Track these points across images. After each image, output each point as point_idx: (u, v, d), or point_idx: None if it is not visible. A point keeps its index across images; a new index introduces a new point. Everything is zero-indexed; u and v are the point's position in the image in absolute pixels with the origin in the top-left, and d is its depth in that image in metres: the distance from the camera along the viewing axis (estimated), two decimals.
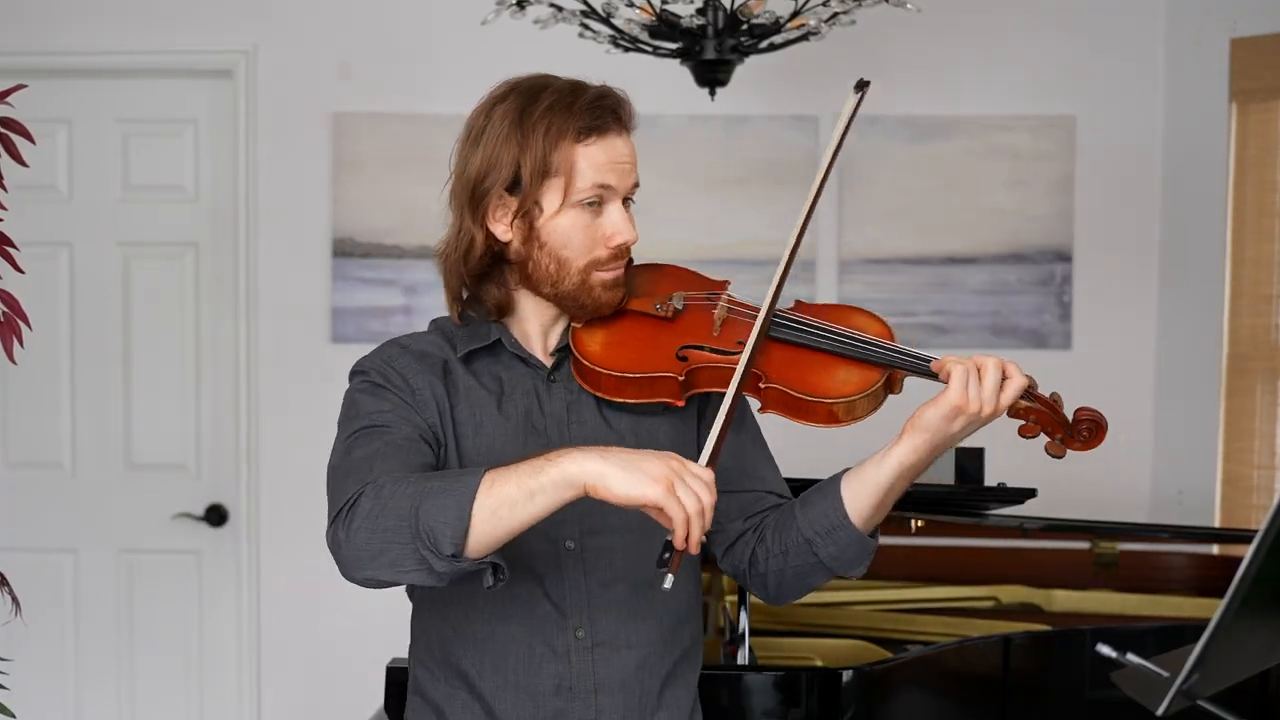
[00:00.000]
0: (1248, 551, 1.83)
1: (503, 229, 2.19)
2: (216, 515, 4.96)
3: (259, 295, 4.86)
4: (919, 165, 4.83)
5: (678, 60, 3.85)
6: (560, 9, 3.79)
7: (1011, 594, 3.95)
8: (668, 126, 4.77)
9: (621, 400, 2.20)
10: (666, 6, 3.74)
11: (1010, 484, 3.48)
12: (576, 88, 2.19)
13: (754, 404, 2.23)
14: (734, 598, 3.29)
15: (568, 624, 2.19)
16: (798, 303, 2.28)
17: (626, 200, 2.22)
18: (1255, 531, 1.86)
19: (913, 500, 3.39)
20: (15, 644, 3.65)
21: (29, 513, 4.97)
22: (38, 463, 4.99)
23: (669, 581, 1.91)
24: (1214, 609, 1.88)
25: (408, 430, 2.12)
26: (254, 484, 4.89)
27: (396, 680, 2.95)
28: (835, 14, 3.76)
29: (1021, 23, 4.86)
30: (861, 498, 2.17)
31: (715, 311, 2.24)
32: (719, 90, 3.90)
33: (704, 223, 4.76)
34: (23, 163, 2.37)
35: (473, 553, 1.90)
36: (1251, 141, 4.64)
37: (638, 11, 3.74)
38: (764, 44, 3.81)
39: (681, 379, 2.18)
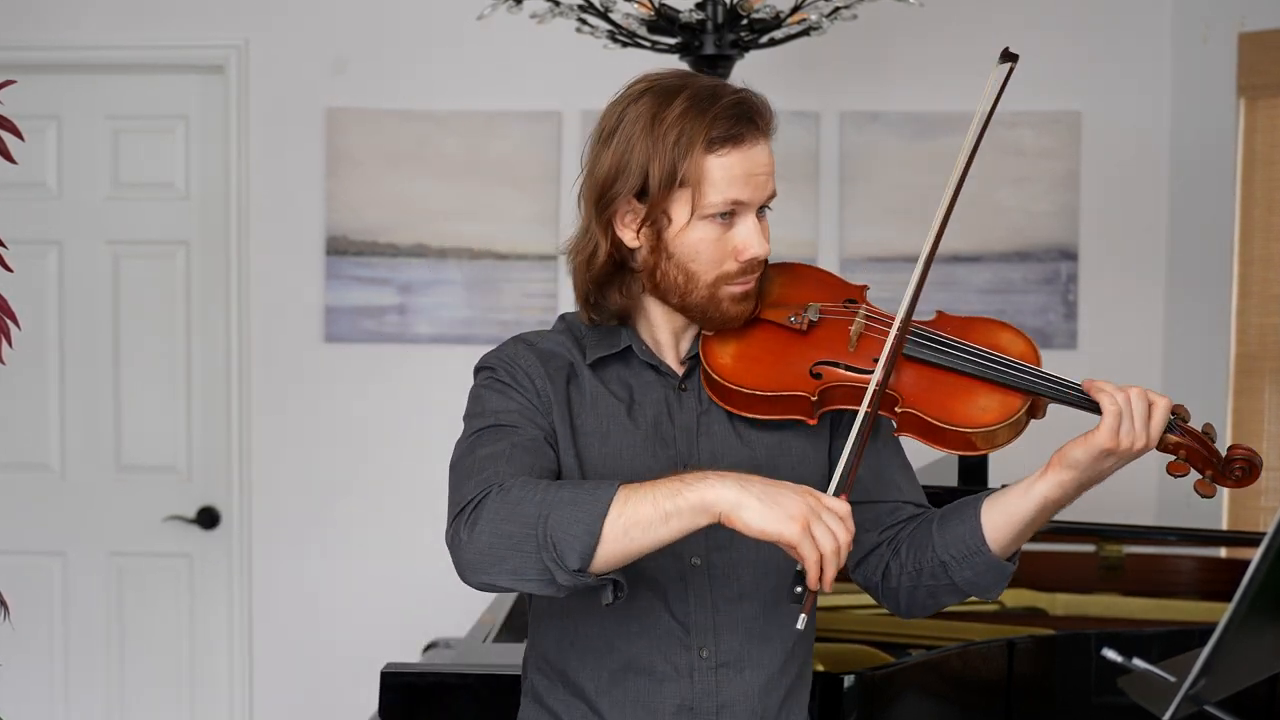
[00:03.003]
0: (1255, 555, 1.82)
1: (630, 235, 2.12)
2: (208, 517, 4.93)
3: (251, 294, 4.84)
4: (922, 162, 4.79)
5: (676, 55, 3.82)
6: (557, 3, 3.78)
7: (1015, 597, 3.92)
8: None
9: (751, 416, 2.14)
10: (665, 1, 3.72)
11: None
12: (714, 91, 2.09)
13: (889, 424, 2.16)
14: None
15: (691, 642, 2.14)
16: (939, 314, 2.21)
17: (763, 209, 2.13)
18: (1263, 534, 1.86)
19: None
20: (3, 649, 3.62)
21: (17, 515, 4.94)
22: (26, 464, 4.96)
23: (802, 622, 1.89)
24: (1221, 613, 1.86)
25: (533, 431, 2.08)
26: (246, 486, 4.86)
27: (391, 685, 2.94)
28: (837, 9, 3.75)
29: (1026, 17, 4.83)
30: (1001, 527, 2.12)
31: (851, 327, 2.15)
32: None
33: None
34: (11, 160, 2.34)
35: (598, 569, 1.88)
36: (1260, 137, 4.62)
37: (636, 6, 3.73)
38: (764, 39, 3.79)
39: (814, 398, 2.10)
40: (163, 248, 4.93)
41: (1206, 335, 4.74)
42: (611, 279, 2.16)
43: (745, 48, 3.77)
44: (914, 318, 2.12)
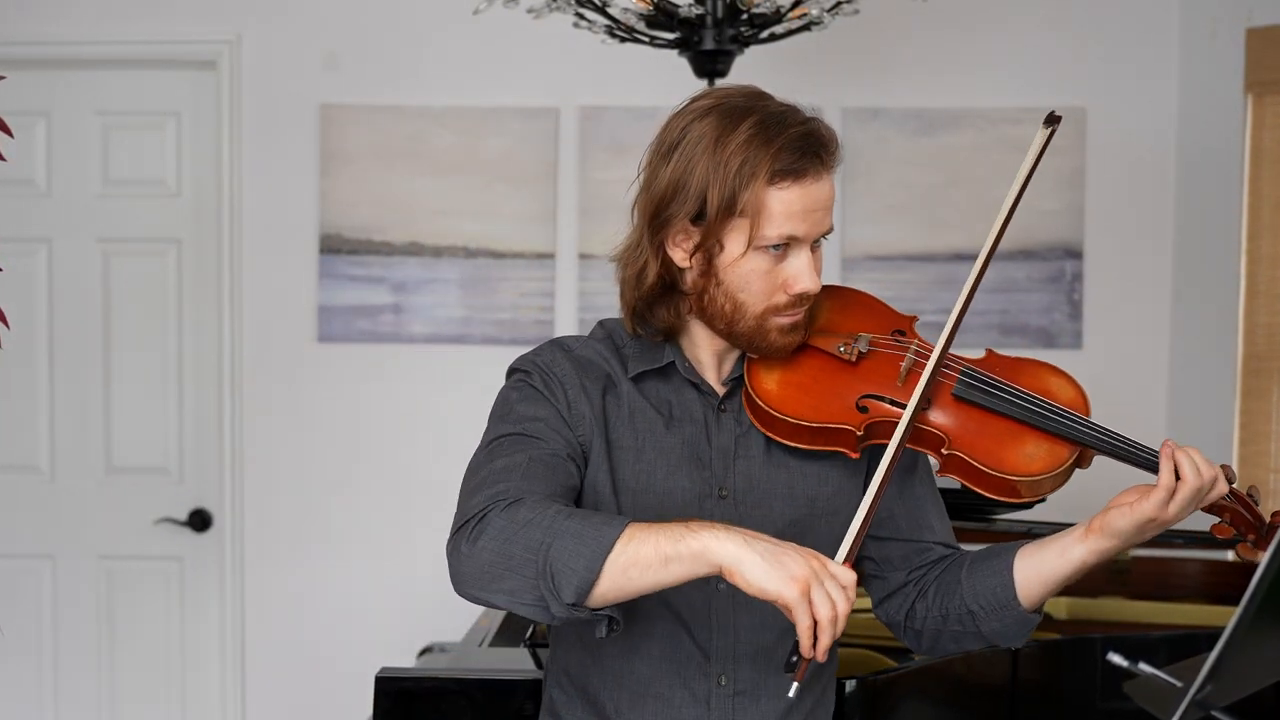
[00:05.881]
0: (1263, 558, 1.81)
1: (680, 255, 2.08)
2: (200, 520, 4.90)
3: (243, 293, 4.81)
4: (925, 159, 4.77)
5: (675, 51, 3.81)
6: None
7: None
8: (664, 119, 4.64)
9: (794, 445, 2.11)
10: None
11: None
12: (782, 119, 2.04)
13: (933, 464, 2.13)
14: None
15: (711, 669, 2.13)
16: (989, 352, 2.18)
17: (817, 242, 2.10)
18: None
19: None
20: None
21: (5, 518, 4.92)
22: (15, 466, 4.93)
23: (794, 690, 1.86)
24: (1229, 617, 1.83)
25: (557, 445, 2.05)
26: (238, 488, 4.84)
27: (385, 690, 2.92)
28: (838, 3, 3.73)
29: (1031, 12, 4.81)
30: (1034, 582, 2.12)
31: (902, 363, 2.12)
32: (718, 82, 3.83)
33: None
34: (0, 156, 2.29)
35: (595, 603, 1.85)
36: (1268, 134, 4.59)
37: (635, 1, 3.71)
38: (765, 34, 3.77)
39: (860, 433, 2.08)
40: (154, 246, 4.90)
41: (1213, 335, 4.71)
42: (661, 298, 2.13)
43: (745, 43, 3.75)
44: (963, 356, 2.13)
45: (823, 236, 2.09)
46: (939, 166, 4.76)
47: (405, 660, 3.75)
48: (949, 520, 2.30)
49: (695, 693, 2.12)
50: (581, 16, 3.77)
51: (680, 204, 2.04)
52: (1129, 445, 2.06)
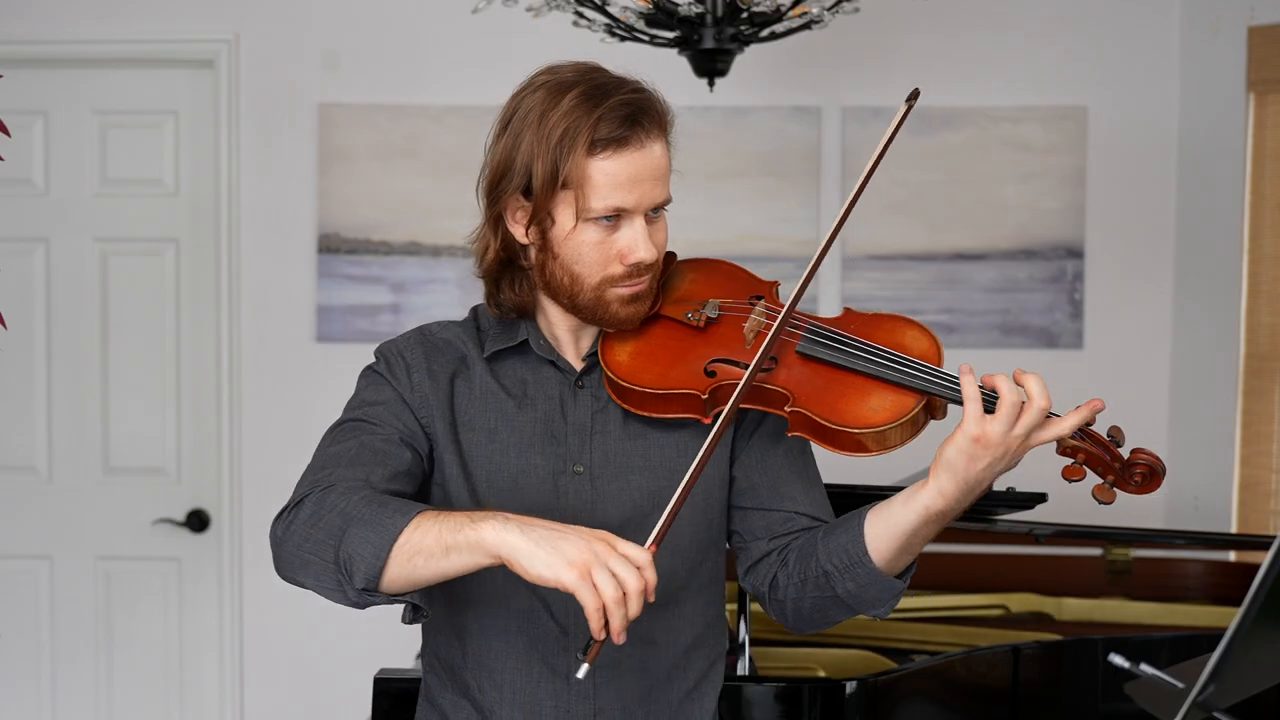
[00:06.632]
0: (1266, 558, 1.80)
1: (520, 232, 2.11)
2: (198, 520, 4.89)
3: (241, 293, 4.80)
4: (925, 158, 4.76)
5: (675, 50, 3.80)
6: None
7: (1021, 602, 3.93)
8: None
9: (647, 414, 2.12)
10: None
11: (1020, 488, 3.41)
12: (605, 89, 2.05)
13: (787, 425, 2.10)
14: (733, 606, 3.26)
15: (570, 645, 2.12)
16: (847, 310, 2.16)
17: (658, 211, 2.10)
18: (1273, 537, 1.91)
19: None
20: None
21: (3, 518, 4.91)
22: (12, 466, 4.92)
23: (583, 671, 1.84)
24: (1231, 618, 1.85)
25: (390, 431, 2.09)
26: (236, 488, 4.83)
27: (384, 692, 2.95)
28: (839, 1, 3.72)
29: (1032, 10, 4.81)
30: (884, 538, 2.05)
31: (746, 325, 2.12)
32: (718, 81, 3.87)
33: (702, 218, 4.70)
34: None
35: (389, 589, 1.88)
36: (1270, 133, 4.60)
37: None
38: (765, 32, 3.76)
39: (706, 396, 2.07)
40: (152, 245, 4.89)
41: (1215, 335, 4.71)
42: (503, 274, 2.16)
43: (745, 42, 3.75)
44: (817, 316, 2.12)
45: (662, 207, 2.10)
46: (939, 165, 4.75)
47: (404, 662, 3.74)
48: (824, 495, 2.24)
49: (554, 668, 2.12)
50: (581, 15, 3.77)
51: (510, 179, 2.08)
52: (955, 385, 1.99)
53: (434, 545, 1.83)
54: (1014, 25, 4.79)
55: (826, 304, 4.69)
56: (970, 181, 4.75)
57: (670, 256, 2.21)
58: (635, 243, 2.06)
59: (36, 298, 4.87)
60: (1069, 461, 1.98)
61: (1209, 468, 4.70)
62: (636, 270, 2.07)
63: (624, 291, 2.08)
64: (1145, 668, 2.05)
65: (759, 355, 2.02)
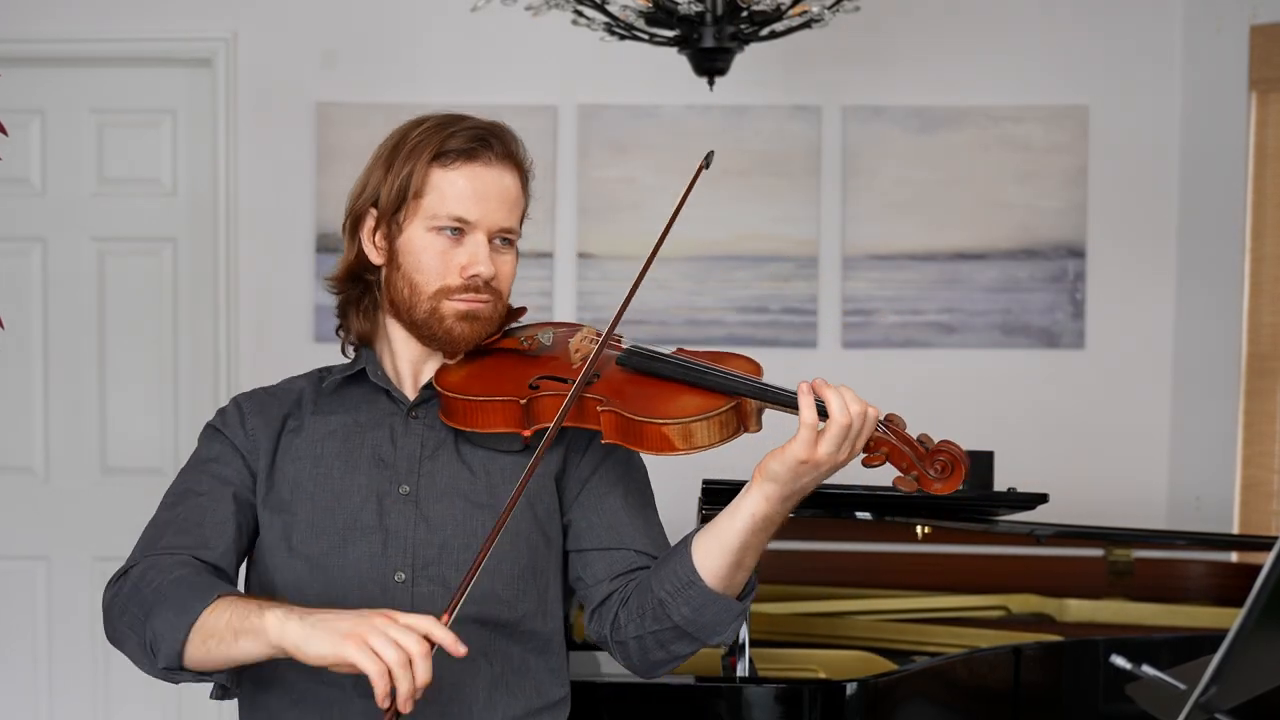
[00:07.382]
0: (1268, 559, 1.80)
1: (373, 251, 2.20)
2: None
3: (239, 293, 4.80)
4: (926, 157, 4.75)
5: (675, 48, 3.80)
6: None
7: (1022, 603, 3.93)
8: (664, 117, 4.73)
9: (471, 430, 2.16)
10: None
11: (1021, 489, 3.44)
12: (463, 119, 2.18)
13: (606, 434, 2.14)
14: None
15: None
16: (678, 349, 2.21)
17: (505, 241, 2.18)
18: (1275, 538, 1.88)
19: (919, 506, 3.32)
20: None
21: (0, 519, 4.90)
22: (9, 467, 4.93)
23: None
24: (1233, 619, 1.85)
25: (223, 491, 2.14)
26: None
27: None
28: (838, 0, 3.71)
29: (1033, 9, 4.81)
30: (714, 554, 2.04)
31: (571, 341, 2.21)
32: (718, 79, 3.87)
33: (702, 217, 4.68)
34: None
35: (195, 668, 1.94)
36: (1271, 132, 4.59)
37: None
38: (765, 31, 3.76)
39: (524, 403, 2.12)
40: (149, 245, 4.89)
41: (1217, 334, 4.70)
42: (350, 299, 2.24)
43: (745, 40, 3.75)
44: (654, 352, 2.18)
45: (507, 236, 2.19)
46: (940, 165, 4.75)
47: None
48: (664, 535, 2.25)
49: (375, 715, 2.03)
50: (580, 14, 3.77)
51: (368, 195, 2.18)
52: (787, 393, 2.01)
53: (224, 630, 1.87)
54: (1015, 24, 4.78)
55: (827, 304, 4.69)
56: (971, 181, 4.74)
57: (520, 311, 2.27)
58: (475, 257, 2.13)
59: (33, 297, 4.87)
60: (865, 454, 2.01)
61: (1211, 468, 4.70)
62: (474, 285, 2.14)
63: (460, 305, 2.15)
64: (1147, 669, 2.05)
65: (585, 368, 2.08)
